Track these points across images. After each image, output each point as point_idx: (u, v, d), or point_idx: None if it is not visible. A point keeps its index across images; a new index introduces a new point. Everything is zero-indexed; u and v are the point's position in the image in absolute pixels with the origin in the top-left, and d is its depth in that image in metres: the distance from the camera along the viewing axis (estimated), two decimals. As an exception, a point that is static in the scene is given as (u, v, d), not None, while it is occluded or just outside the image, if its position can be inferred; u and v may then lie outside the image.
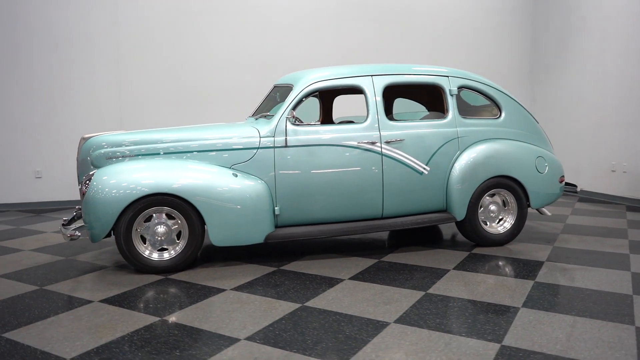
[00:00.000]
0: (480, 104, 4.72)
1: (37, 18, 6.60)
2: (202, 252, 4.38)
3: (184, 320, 2.90)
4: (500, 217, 4.53)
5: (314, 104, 5.52)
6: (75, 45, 6.76)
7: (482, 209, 4.44)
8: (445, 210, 4.41)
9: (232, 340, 2.62)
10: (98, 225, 3.66)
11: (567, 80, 7.63)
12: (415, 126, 4.28)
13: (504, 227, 4.49)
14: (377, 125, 4.16)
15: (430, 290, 3.35)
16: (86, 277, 3.74)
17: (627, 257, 4.09)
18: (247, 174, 3.98)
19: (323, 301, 3.18)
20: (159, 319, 2.93)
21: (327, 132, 4.08)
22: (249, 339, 2.64)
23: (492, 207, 4.48)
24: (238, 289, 3.44)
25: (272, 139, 4.01)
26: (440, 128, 4.32)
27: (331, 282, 3.57)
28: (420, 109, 5.46)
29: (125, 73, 6.96)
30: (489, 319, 2.87)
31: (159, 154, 3.97)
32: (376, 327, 2.78)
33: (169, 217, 3.80)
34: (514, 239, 4.56)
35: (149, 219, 3.77)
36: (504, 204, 4.53)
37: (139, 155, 3.97)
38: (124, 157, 3.97)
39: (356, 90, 4.28)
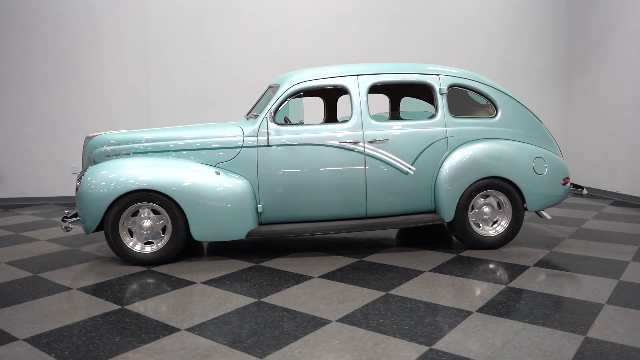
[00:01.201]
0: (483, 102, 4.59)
1: (76, 26, 7.11)
2: (193, 246, 4.57)
3: (141, 309, 3.07)
4: (495, 220, 4.39)
5: (319, 103, 5.58)
6: (108, 50, 7.22)
7: (474, 210, 4.33)
8: (434, 212, 4.34)
9: (172, 330, 2.76)
10: (89, 218, 3.93)
11: (605, 77, 7.19)
12: (400, 126, 4.24)
13: (496, 231, 4.35)
14: (360, 125, 4.16)
15: (392, 291, 3.33)
16: (79, 267, 4.02)
17: (624, 265, 3.85)
18: (231, 172, 4.11)
19: (280, 297, 3.25)
20: (119, 307, 3.12)
21: (309, 132, 4.13)
22: (189, 329, 2.77)
23: (486, 209, 4.35)
24: (208, 282, 3.58)
25: (255, 138, 4.12)
26: (427, 128, 4.26)
27: (300, 279, 3.63)
28: (429, 108, 5.37)
29: (153, 74, 7.33)
30: (434, 322, 2.83)
31: (151, 152, 4.19)
32: (316, 324, 2.82)
33: (155, 212, 4.00)
34: (510, 242, 4.41)
35: (136, 213, 3.99)
36: (499, 205, 4.38)
37: (133, 153, 4.21)
38: (120, 154, 4.23)
39: (342, 90, 4.30)
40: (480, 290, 3.33)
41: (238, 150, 4.13)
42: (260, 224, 4.17)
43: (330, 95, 5.38)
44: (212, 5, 7.35)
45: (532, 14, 7.88)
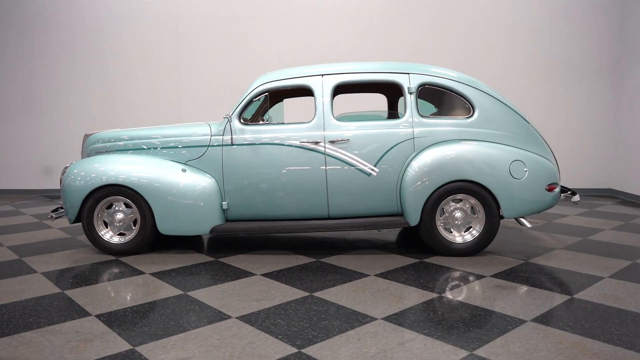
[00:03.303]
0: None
1: (114, 36, 7.72)
2: (192, 239, 4.82)
3: (74, 294, 3.33)
4: (469, 225, 4.17)
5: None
6: (143, 54, 7.74)
7: (445, 215, 4.14)
8: (401, 214, 4.21)
9: (84, 315, 2.96)
10: (70, 210, 4.29)
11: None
12: (364, 126, 4.16)
13: (463, 238, 4.13)
14: (322, 124, 4.15)
15: (317, 293, 3.31)
16: (61, 253, 4.40)
17: (595, 281, 3.50)
18: (199, 170, 4.29)
19: (205, 292, 3.36)
20: (60, 291, 3.40)
21: (271, 132, 4.19)
22: (98, 315, 2.96)
23: (457, 214, 4.14)
24: (155, 273, 3.77)
25: (221, 137, 4.26)
26: (392, 128, 4.14)
27: (242, 275, 3.71)
28: (429, 107, 5.21)
29: (185, 76, 7.75)
30: (328, 326, 2.78)
31: (132, 149, 4.48)
32: (214, 319, 2.89)
33: (127, 206, 4.28)
34: (483, 249, 4.17)
35: (111, 206, 4.29)
36: (474, 211, 4.16)
37: (118, 150, 4.52)
38: (107, 151, 4.57)
39: (306, 90, 4.31)
40: (407, 298, 3.20)
41: (205, 148, 4.29)
42: (227, 220, 4.31)
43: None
44: (239, 9, 7.60)
45: (578, 3, 7.27)
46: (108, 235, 4.29)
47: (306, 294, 3.31)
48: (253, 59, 7.67)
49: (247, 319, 2.90)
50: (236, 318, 2.91)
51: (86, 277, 3.72)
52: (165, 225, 4.19)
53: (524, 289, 3.36)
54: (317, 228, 4.15)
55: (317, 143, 4.11)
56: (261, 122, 4.31)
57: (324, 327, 2.77)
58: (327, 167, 4.11)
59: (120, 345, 2.56)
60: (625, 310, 2.96)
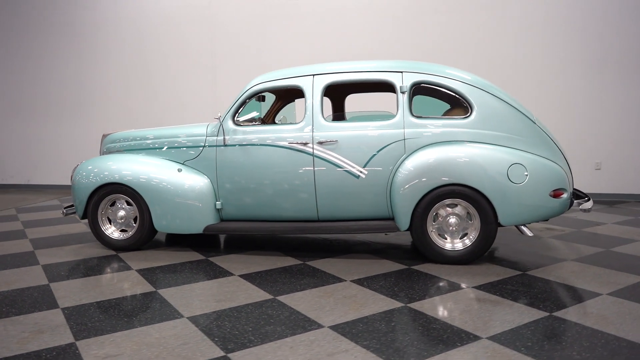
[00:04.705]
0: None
1: (154, 38, 8.08)
2: (196, 237, 4.95)
3: (57, 287, 3.51)
4: (465, 232, 3.94)
5: (327, 102, 5.52)
6: (182, 57, 8.04)
7: (439, 220, 3.94)
8: (392, 219, 4.06)
9: (52, 307, 3.12)
10: (79, 206, 4.54)
11: None
12: (353, 127, 4.05)
13: (454, 246, 3.90)
14: (311, 125, 4.09)
15: (280, 297, 3.27)
16: (71, 247, 4.67)
17: (589, 297, 3.18)
18: (194, 170, 4.38)
19: (174, 291, 3.41)
20: (46, 283, 3.60)
21: (261, 133, 4.19)
22: (64, 309, 3.10)
23: (452, 220, 3.92)
24: (141, 270, 3.90)
25: (215, 138, 4.32)
26: (382, 129, 3.99)
27: (220, 275, 3.74)
28: (443, 105, 4.99)
29: (220, 77, 7.96)
30: (270, 331, 2.73)
31: (138, 149, 4.66)
32: (166, 318, 2.93)
33: (129, 204, 4.45)
34: (479, 257, 3.92)
35: (114, 203, 4.49)
36: (471, 217, 3.92)
37: (127, 150, 4.73)
38: (117, 150, 4.79)
39: (298, 90, 4.26)
40: (369, 306, 3.07)
41: (201, 149, 4.37)
42: (221, 219, 4.37)
43: (338, 94, 5.28)
44: (272, 10, 7.68)
45: (629, -7, 6.64)
46: (110, 230, 4.49)
47: (270, 297, 3.27)
48: (286, 59, 7.70)
49: (196, 319, 2.91)
50: (187, 318, 2.94)
51: (78, 270, 3.92)
52: (161, 224, 4.32)
53: (501, 303, 3.12)
54: (305, 230, 4.10)
55: (305, 144, 4.06)
56: (253, 123, 4.31)
57: (266, 332, 2.73)
58: (315, 169, 4.05)
59: (65, 338, 2.67)
60: (601, 332, 2.66)
